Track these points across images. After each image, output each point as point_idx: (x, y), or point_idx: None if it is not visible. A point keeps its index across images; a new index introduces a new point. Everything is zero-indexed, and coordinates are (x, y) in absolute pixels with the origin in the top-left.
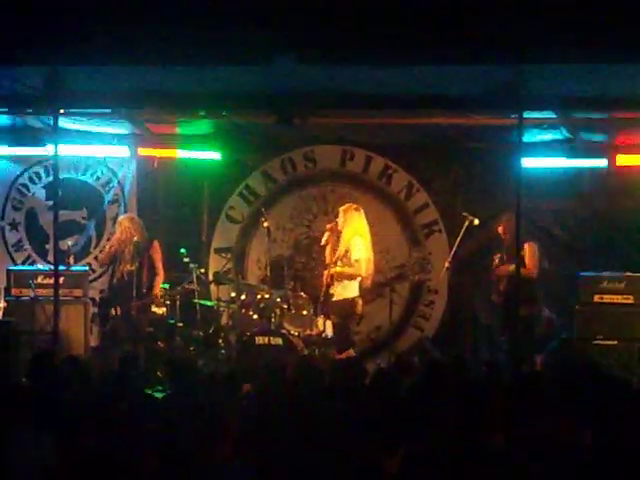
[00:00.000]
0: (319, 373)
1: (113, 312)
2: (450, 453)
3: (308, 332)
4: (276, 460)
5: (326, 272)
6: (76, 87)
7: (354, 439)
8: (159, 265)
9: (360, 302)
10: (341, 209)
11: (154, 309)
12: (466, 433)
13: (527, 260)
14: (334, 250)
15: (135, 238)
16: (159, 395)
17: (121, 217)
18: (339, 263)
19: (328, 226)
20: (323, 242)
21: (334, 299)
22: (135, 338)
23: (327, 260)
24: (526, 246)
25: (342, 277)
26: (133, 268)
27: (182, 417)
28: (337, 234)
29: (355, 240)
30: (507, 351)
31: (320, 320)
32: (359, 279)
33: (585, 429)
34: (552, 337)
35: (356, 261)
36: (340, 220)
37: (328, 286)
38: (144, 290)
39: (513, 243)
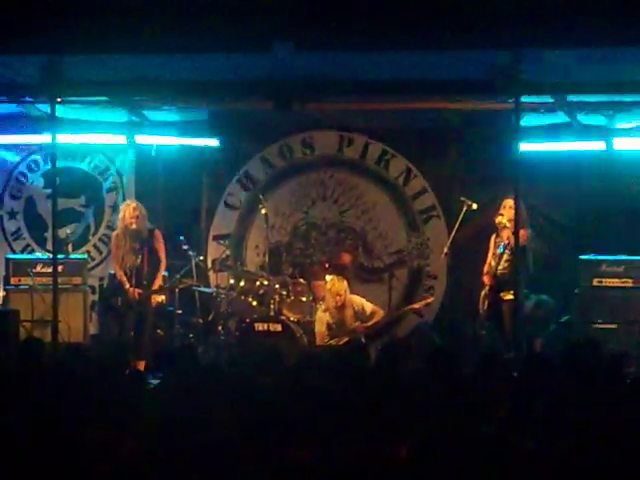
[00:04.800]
0: (321, 360)
1: (115, 302)
2: (457, 441)
3: (307, 318)
4: (276, 449)
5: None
6: (74, 76)
7: (361, 427)
8: (162, 255)
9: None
10: (334, 284)
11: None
12: (469, 420)
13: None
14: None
15: (134, 226)
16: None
17: (123, 205)
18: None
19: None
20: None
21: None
22: (139, 327)
23: (348, 323)
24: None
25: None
26: (135, 260)
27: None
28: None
29: (357, 305)
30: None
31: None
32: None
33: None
34: (551, 321)
35: (372, 312)
36: (342, 295)
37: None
38: (144, 282)
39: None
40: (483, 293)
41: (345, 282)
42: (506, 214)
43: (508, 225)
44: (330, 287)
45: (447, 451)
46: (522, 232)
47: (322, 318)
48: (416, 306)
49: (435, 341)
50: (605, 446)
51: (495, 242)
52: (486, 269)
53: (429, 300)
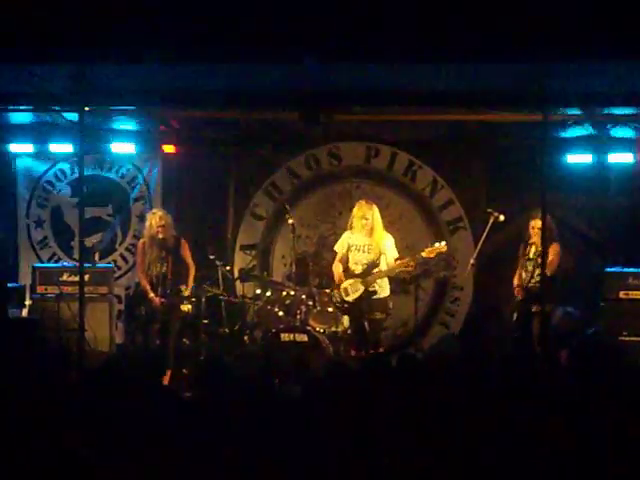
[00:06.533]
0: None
1: (139, 311)
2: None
3: (334, 329)
4: (302, 458)
5: (376, 271)
6: (102, 85)
7: (385, 436)
8: (190, 261)
9: (391, 299)
10: (361, 208)
11: (180, 306)
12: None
13: (548, 259)
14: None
15: (160, 235)
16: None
17: (149, 214)
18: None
19: (365, 228)
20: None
21: (374, 297)
22: (164, 336)
23: (372, 259)
24: (551, 247)
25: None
26: (161, 269)
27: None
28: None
29: (388, 238)
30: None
31: (346, 317)
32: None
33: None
34: (577, 333)
35: (394, 259)
36: (369, 219)
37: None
38: (168, 290)
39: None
40: (513, 305)
41: (375, 208)
42: (534, 235)
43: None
44: (356, 211)
45: (471, 463)
46: (554, 246)
47: (344, 240)
48: (424, 254)
49: (460, 352)
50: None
51: (525, 254)
52: (517, 282)
53: (442, 248)
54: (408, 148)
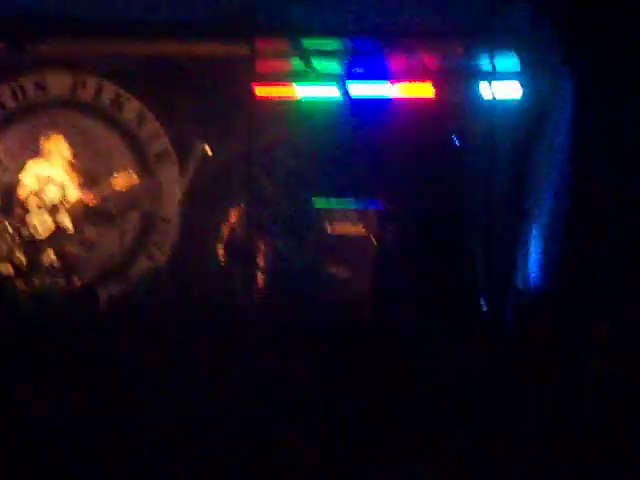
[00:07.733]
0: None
1: None
2: None
3: (39, 260)
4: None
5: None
6: None
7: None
8: None
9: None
10: (56, 140)
11: None
12: None
13: None
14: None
15: None
16: None
17: None
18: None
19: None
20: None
21: (68, 232)
22: None
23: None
24: None
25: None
26: None
27: None
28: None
29: (76, 171)
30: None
31: (51, 250)
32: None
33: None
34: (285, 267)
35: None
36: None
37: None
38: None
39: None
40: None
41: (64, 140)
42: None
43: None
44: (52, 144)
45: None
46: None
47: (36, 171)
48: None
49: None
50: None
51: None
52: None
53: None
54: (115, 79)
